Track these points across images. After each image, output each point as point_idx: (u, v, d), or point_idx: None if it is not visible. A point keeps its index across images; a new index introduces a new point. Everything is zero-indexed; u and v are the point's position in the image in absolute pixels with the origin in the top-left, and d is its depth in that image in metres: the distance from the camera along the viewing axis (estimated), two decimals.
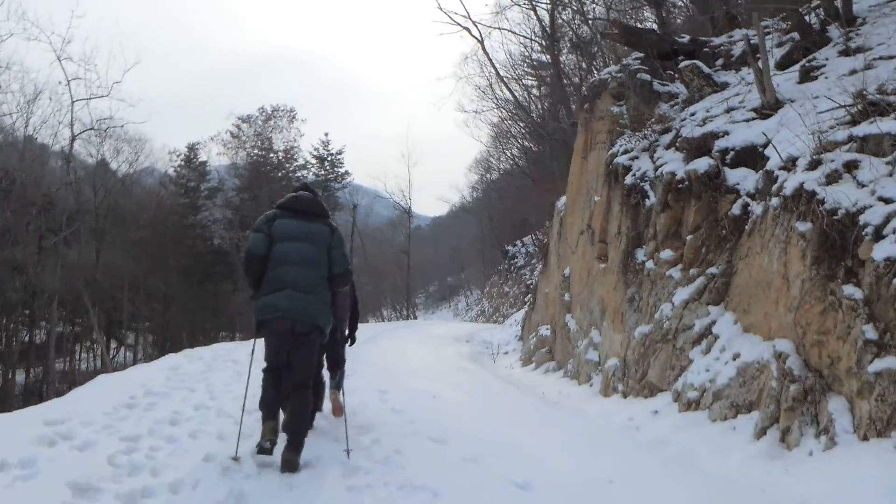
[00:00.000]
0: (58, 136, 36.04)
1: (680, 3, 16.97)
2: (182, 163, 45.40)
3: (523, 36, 31.13)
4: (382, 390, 9.00)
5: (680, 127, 9.45)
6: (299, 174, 47.87)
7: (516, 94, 38.72)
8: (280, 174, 45.22)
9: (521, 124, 42.48)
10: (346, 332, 8.47)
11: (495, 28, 30.18)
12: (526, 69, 37.85)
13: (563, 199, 15.80)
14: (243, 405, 5.93)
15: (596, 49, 23.61)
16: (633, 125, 11.42)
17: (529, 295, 33.06)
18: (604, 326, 10.41)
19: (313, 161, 50.20)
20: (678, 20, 17.17)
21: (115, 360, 36.83)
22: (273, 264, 5.76)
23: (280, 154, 46.29)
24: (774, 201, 6.73)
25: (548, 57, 34.25)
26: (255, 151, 45.24)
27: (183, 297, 39.21)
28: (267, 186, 40.80)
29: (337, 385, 8.17)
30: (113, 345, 39.90)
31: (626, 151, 10.90)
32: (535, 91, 37.57)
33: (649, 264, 9.04)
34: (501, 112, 42.01)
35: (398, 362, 13.41)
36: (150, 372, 9.17)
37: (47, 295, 28.64)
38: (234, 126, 45.28)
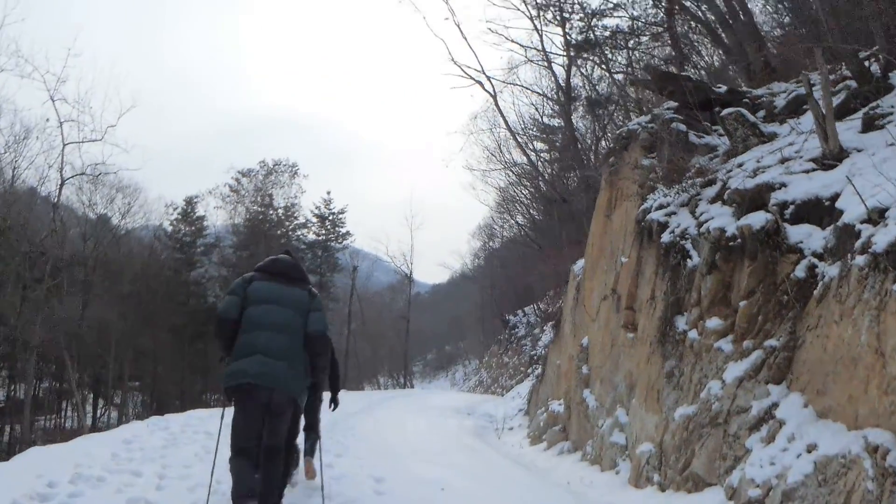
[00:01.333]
0: (46, 180, 34.62)
1: (706, 58, 16.11)
2: (179, 216, 44.18)
3: (537, 92, 30.31)
4: (378, 478, 7.66)
5: (727, 178, 8.30)
6: (299, 233, 46.88)
7: (526, 156, 38.05)
8: (279, 232, 43.86)
9: (528, 190, 41.66)
10: (323, 393, 8.06)
11: (509, 84, 29.10)
12: (535, 133, 37.15)
13: (580, 262, 14.61)
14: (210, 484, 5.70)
15: (614, 108, 22.70)
16: (669, 178, 10.33)
17: (533, 366, 31.78)
18: (632, 405, 9.09)
19: (314, 220, 49.07)
20: (703, 72, 16.22)
21: (101, 420, 35.14)
22: (244, 328, 5.53)
23: (280, 211, 45.01)
24: (860, 260, 5.52)
25: (559, 120, 33.59)
26: (255, 207, 43.99)
27: (173, 356, 37.67)
28: (265, 244, 39.45)
29: (310, 450, 7.70)
30: (101, 403, 38.20)
31: (660, 207, 9.75)
32: (544, 155, 36.71)
33: (692, 334, 7.77)
34: (509, 175, 41.07)
35: (396, 438, 12.12)
36: (96, 444, 8.05)
37: (28, 349, 27.16)
38: (234, 180, 44.27)
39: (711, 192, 8.53)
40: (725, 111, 9.68)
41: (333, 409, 8.37)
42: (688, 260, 8.32)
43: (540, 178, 34.79)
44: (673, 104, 11.85)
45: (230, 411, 5.59)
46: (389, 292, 72.14)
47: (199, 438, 9.38)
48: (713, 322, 7.41)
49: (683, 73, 12.60)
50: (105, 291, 35.22)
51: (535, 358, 31.82)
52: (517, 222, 50.85)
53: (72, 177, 31.22)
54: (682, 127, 10.91)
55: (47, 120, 39.78)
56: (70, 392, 36.93)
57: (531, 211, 45.57)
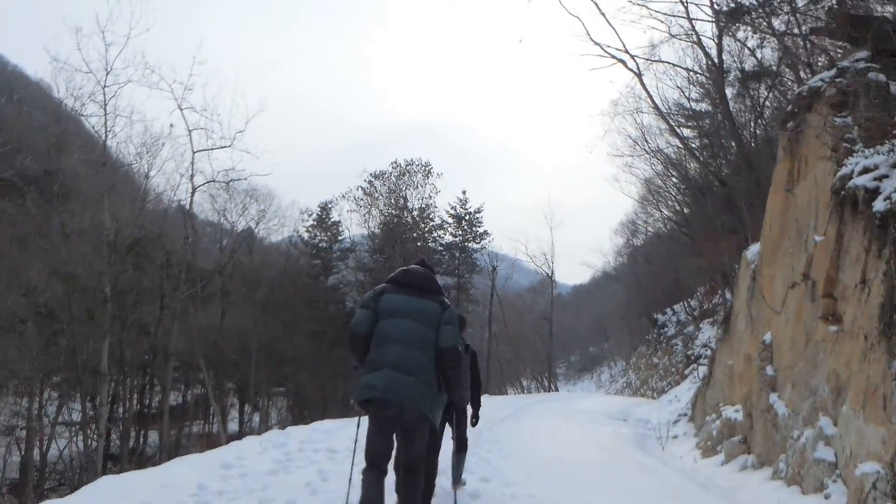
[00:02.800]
0: (177, 188, 34.42)
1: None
2: (314, 222, 44.00)
3: (685, 69, 27.94)
4: None
5: None
6: (435, 234, 45.64)
7: (672, 145, 35.76)
8: (415, 234, 42.79)
9: (676, 179, 39.23)
10: (468, 410, 7.67)
11: (653, 61, 26.86)
12: (681, 119, 34.78)
13: (755, 247, 12.78)
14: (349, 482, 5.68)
15: (772, 80, 20.44)
16: (871, 138, 8.55)
17: (691, 366, 29.61)
18: (843, 413, 7.35)
19: (450, 220, 47.65)
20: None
21: (247, 425, 35.38)
22: (376, 342, 5.45)
23: (415, 212, 43.70)
24: None
25: (706, 105, 31.20)
26: (389, 210, 42.93)
27: (314, 362, 37.47)
28: (401, 247, 38.64)
29: (456, 478, 7.28)
30: (247, 409, 38.53)
31: (866, 171, 7.99)
32: (693, 143, 34.32)
33: None
34: (654, 164, 38.73)
35: (550, 451, 10.79)
36: (187, 470, 6.98)
37: (167, 357, 27.36)
38: (367, 182, 43.09)
39: None
40: None
41: (474, 425, 7.90)
42: None
43: (692, 162, 32.39)
44: (864, 54, 9.97)
45: (365, 421, 5.53)
46: (530, 294, 70.71)
47: (319, 459, 8.36)
48: None
49: (879, 14, 10.61)
50: (243, 299, 35.20)
51: (693, 358, 29.67)
52: (664, 214, 48.26)
53: (203, 184, 30.99)
54: (882, 77, 9.08)
55: (171, 126, 40.05)
56: (219, 399, 37.54)
57: (678, 203, 42.94)
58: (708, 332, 32.75)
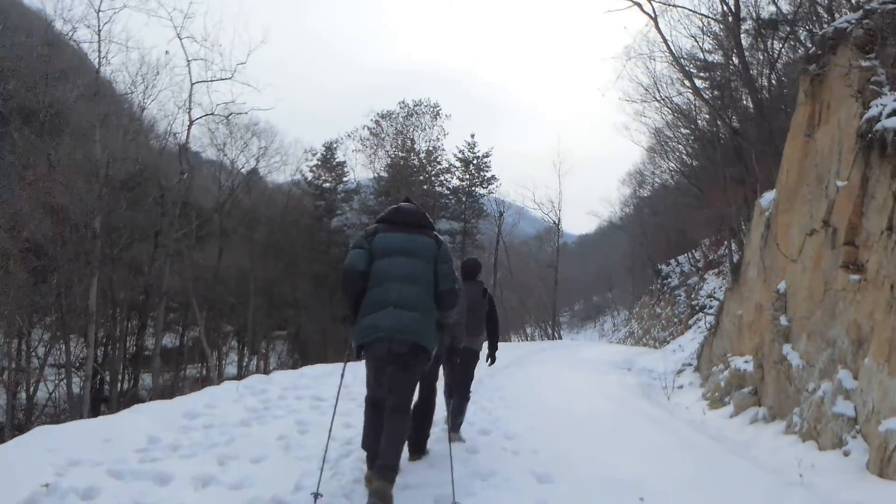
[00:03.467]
0: (174, 121, 32.96)
1: None
2: (318, 162, 42.64)
3: (701, 14, 27.15)
4: (543, 476, 5.79)
5: None
6: (443, 178, 44.64)
7: (683, 94, 35.01)
8: (422, 177, 41.70)
9: (686, 130, 38.58)
10: (481, 350, 7.84)
11: (670, 5, 26.02)
12: (694, 70, 34.01)
13: (769, 195, 12.36)
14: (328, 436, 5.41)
15: (793, 26, 19.80)
16: None
17: (695, 316, 29.39)
18: (865, 366, 7.02)
19: (457, 164, 46.45)
20: None
21: (246, 369, 35.13)
22: (373, 282, 5.36)
23: (422, 155, 42.44)
24: None
25: (720, 55, 30.44)
26: (395, 152, 41.80)
27: (315, 306, 37.08)
28: (407, 190, 37.88)
29: (455, 425, 7.20)
30: (246, 352, 38.29)
31: (895, 113, 7.57)
32: (706, 93, 33.61)
33: None
34: (665, 114, 37.99)
35: (556, 402, 10.45)
36: (144, 417, 6.43)
37: (159, 297, 26.69)
38: (374, 122, 41.93)
39: None
40: None
41: (490, 364, 8.10)
42: None
43: (702, 113, 31.72)
44: None
45: (353, 367, 5.57)
46: (536, 241, 70.41)
47: (300, 408, 7.82)
48: None
49: None
50: (242, 240, 34.35)
51: (697, 308, 29.44)
52: (671, 166, 47.68)
53: (201, 117, 29.87)
54: None
55: (167, 52, 38.51)
56: (221, 341, 37.20)
57: (687, 154, 42.32)
58: (713, 282, 32.51)
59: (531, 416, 8.68)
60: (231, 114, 30.55)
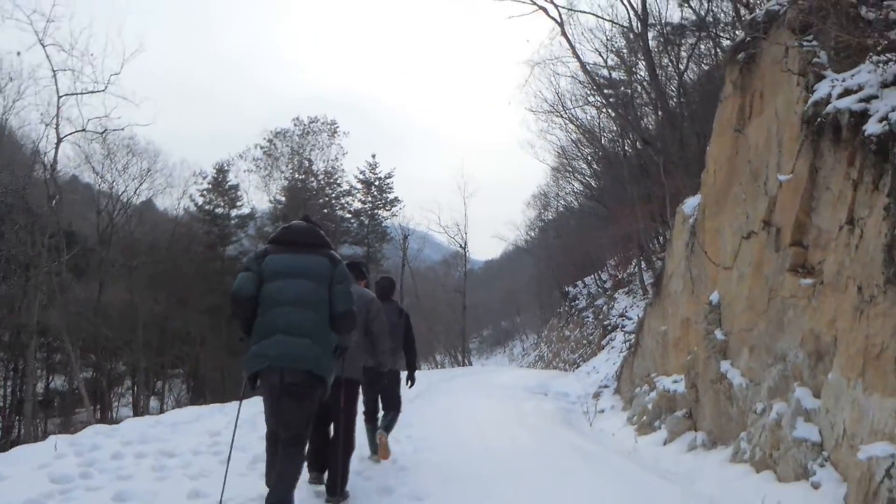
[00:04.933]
0: (41, 141, 28.54)
1: None
2: (209, 186, 40.07)
3: (608, 20, 26.75)
4: None
5: None
6: (343, 200, 42.86)
7: (589, 112, 34.75)
8: (322, 200, 39.80)
9: (590, 148, 38.36)
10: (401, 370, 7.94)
11: (576, 11, 25.40)
12: (599, 84, 33.74)
13: (693, 200, 11.51)
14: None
15: (697, 36, 19.36)
16: (843, 61, 7.29)
17: (608, 337, 28.67)
18: (831, 383, 6.00)
19: (359, 186, 44.68)
20: None
21: (142, 411, 32.70)
22: (262, 307, 5.06)
23: (321, 176, 40.45)
24: None
25: (622, 72, 30.20)
26: (292, 174, 39.64)
27: (212, 340, 34.87)
28: (306, 214, 36.06)
29: (387, 426, 7.44)
30: (142, 392, 35.71)
31: (848, 92, 6.68)
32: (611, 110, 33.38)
33: None
34: (570, 132, 37.65)
35: (473, 436, 9.34)
36: None
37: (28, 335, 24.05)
38: (267, 141, 39.50)
39: None
40: None
41: (410, 387, 8.07)
42: None
43: (608, 131, 31.40)
44: None
45: (251, 404, 5.71)
46: (443, 266, 69.52)
47: (136, 472, 6.05)
48: None
49: None
50: (127, 271, 31.90)
51: (609, 328, 28.76)
52: (575, 188, 47.65)
53: (71, 133, 27.02)
54: None
55: (18, 53, 35.05)
56: (116, 381, 34.68)
57: (591, 174, 42.18)
58: (623, 301, 32.01)
59: (444, 461, 7.42)
60: (106, 130, 27.94)
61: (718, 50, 19.66)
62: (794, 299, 6.99)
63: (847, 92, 6.71)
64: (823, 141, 6.77)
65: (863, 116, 6.26)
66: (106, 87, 26.00)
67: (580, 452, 8.27)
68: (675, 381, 10.59)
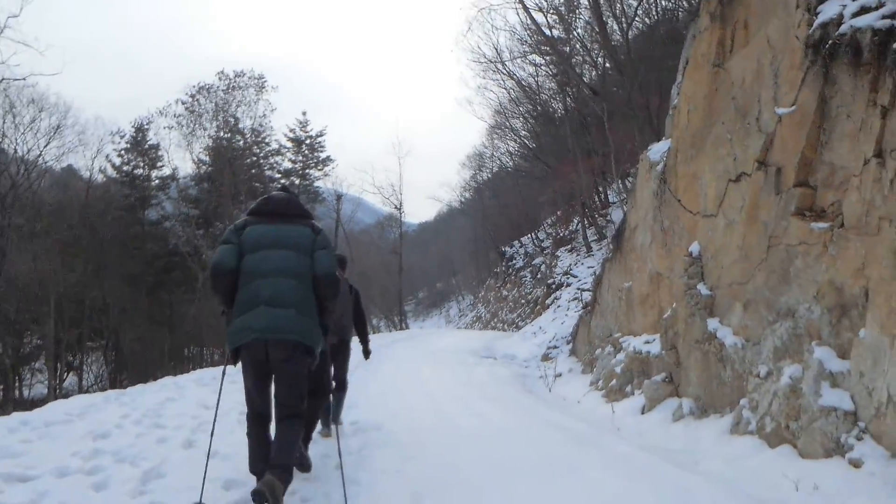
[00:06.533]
0: None
1: None
2: (127, 145, 37.53)
3: None
4: None
5: None
6: (273, 160, 40.92)
7: (525, 72, 33.79)
8: (249, 161, 37.71)
9: (529, 105, 37.43)
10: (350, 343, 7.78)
11: None
12: (533, 45, 32.73)
13: (659, 146, 10.63)
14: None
15: None
16: None
17: (553, 296, 27.93)
18: (865, 341, 5.14)
19: (289, 145, 42.88)
20: None
21: (59, 389, 30.72)
22: (244, 279, 4.95)
23: (248, 135, 37.82)
24: None
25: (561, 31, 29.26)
26: (217, 132, 36.71)
27: (133, 310, 32.88)
28: (231, 174, 33.82)
29: (334, 418, 7.08)
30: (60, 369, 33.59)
31: (864, 10, 5.80)
32: (551, 67, 32.34)
33: None
34: (508, 88, 36.64)
35: (428, 414, 8.36)
36: None
37: None
38: (189, 97, 36.44)
39: None
40: None
41: (367, 359, 8.10)
42: None
43: (547, 87, 30.51)
44: None
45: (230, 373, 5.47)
46: (377, 229, 68.20)
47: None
48: None
49: None
50: (33, 237, 29.28)
51: (554, 286, 28.05)
52: (511, 147, 46.82)
53: None
54: None
55: None
56: (31, 357, 32.66)
57: (529, 132, 41.32)
58: (567, 259, 31.35)
59: (400, 436, 6.39)
60: (4, 79, 25.95)
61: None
62: (804, 247, 6.13)
63: (864, 10, 5.84)
64: (837, 66, 5.88)
65: (889, 34, 5.39)
66: (2, 30, 23.82)
67: (568, 433, 7.25)
68: (648, 342, 9.76)
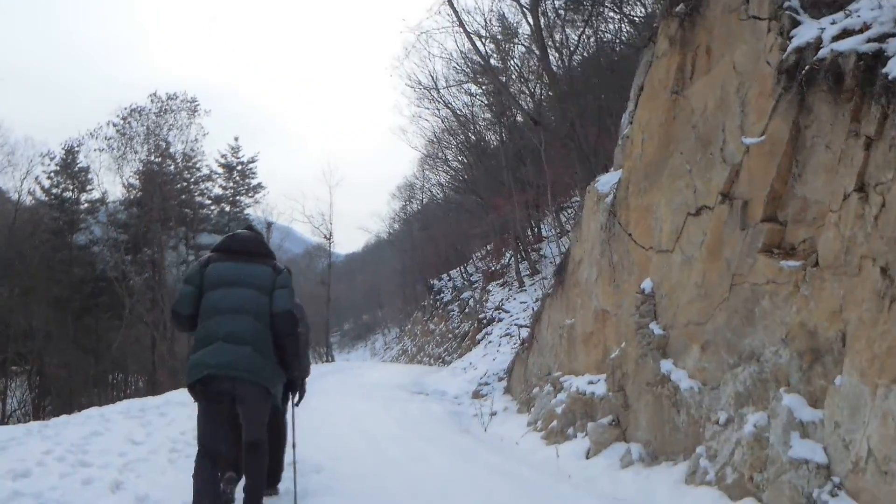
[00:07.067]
0: None
1: None
2: (57, 168, 36.65)
3: None
4: None
5: None
6: (203, 186, 39.97)
7: (460, 102, 33.64)
8: (179, 186, 36.89)
9: (462, 136, 37.26)
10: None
11: None
12: (470, 74, 32.59)
13: (608, 177, 10.26)
14: None
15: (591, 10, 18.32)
16: (817, 5, 6.16)
17: (484, 331, 27.44)
18: (844, 388, 4.69)
19: (220, 171, 41.90)
20: None
21: None
22: (204, 315, 4.99)
23: (179, 159, 37.31)
24: None
25: (497, 59, 29.17)
26: (148, 156, 36.20)
27: (58, 335, 31.59)
28: (162, 200, 32.96)
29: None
30: None
31: (846, 33, 5.48)
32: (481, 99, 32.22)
33: None
34: (444, 117, 36.42)
35: (378, 465, 7.59)
36: None
37: None
38: (121, 119, 35.58)
39: None
40: None
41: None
42: None
43: (482, 118, 30.34)
44: None
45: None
46: (305, 258, 67.19)
47: None
48: None
49: None
50: None
51: (485, 321, 27.57)
52: (441, 179, 46.58)
53: None
54: None
55: None
56: None
57: (462, 164, 41.14)
58: (499, 293, 30.96)
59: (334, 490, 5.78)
60: None
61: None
62: (772, 286, 5.74)
63: (847, 33, 5.52)
64: (814, 93, 5.54)
65: (876, 59, 5.07)
66: None
67: (515, 482, 6.68)
68: (592, 382, 9.29)
